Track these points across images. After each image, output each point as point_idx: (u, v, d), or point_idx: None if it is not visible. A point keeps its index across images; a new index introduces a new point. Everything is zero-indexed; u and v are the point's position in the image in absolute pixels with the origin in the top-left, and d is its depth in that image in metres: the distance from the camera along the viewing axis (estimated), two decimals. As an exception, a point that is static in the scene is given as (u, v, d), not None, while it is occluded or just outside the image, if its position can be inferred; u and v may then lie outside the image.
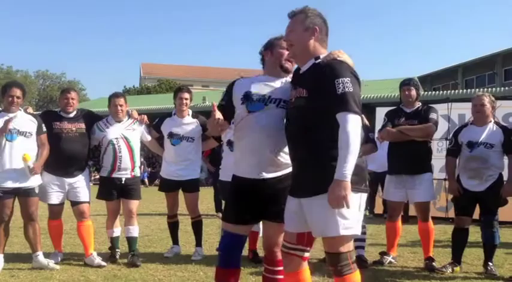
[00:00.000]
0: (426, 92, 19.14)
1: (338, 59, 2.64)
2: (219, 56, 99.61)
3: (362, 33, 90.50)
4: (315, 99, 2.59)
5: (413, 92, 5.06)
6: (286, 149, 2.95)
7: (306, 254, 2.83)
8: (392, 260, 5.18)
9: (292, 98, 2.78)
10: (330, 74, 2.55)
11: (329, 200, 2.44)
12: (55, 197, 5.05)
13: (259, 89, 3.07)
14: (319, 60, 2.69)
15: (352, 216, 2.54)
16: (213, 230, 7.29)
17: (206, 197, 9.24)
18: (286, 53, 3.05)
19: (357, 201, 2.56)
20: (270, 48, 3.16)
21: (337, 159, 2.46)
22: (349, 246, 2.61)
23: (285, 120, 2.98)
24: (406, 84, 5.13)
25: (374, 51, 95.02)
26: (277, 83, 3.09)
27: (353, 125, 2.46)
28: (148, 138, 5.48)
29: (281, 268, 3.03)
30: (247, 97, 3.06)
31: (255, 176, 3.04)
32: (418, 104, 5.09)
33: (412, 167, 4.89)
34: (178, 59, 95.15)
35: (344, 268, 2.58)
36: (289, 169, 2.99)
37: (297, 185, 2.74)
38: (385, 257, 5.18)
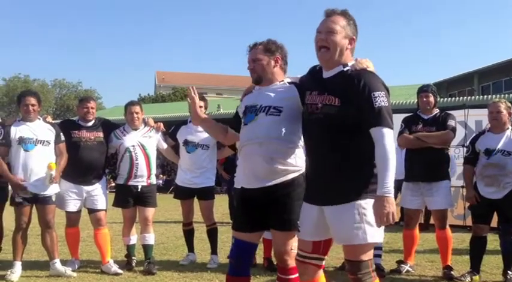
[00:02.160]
0: (442, 99, 18.92)
1: (368, 69, 2.62)
2: (233, 64, 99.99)
3: (377, 38, 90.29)
4: (347, 109, 2.55)
5: (431, 99, 5.01)
6: (283, 155, 2.98)
7: (323, 263, 2.81)
8: (410, 269, 5.12)
9: (317, 104, 2.67)
10: (365, 86, 2.52)
11: (376, 217, 2.45)
12: (73, 205, 5.10)
13: (253, 100, 3.15)
14: (348, 68, 2.65)
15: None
16: (228, 237, 7.23)
17: (221, 205, 9.23)
18: (248, 67, 3.16)
19: None
20: None
21: (365, 169, 2.48)
22: (370, 254, 2.60)
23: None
24: (424, 90, 5.08)
25: (389, 57, 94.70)
26: (269, 91, 3.11)
27: (389, 139, 2.48)
28: (165, 146, 5.51)
29: (293, 276, 3.01)
30: (245, 111, 3.15)
31: (252, 186, 3.07)
32: (436, 111, 5.04)
33: (430, 174, 4.84)
34: (193, 67, 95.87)
35: (365, 276, 2.56)
36: (290, 175, 3.01)
37: (318, 193, 2.69)
38: (402, 265, 5.12)
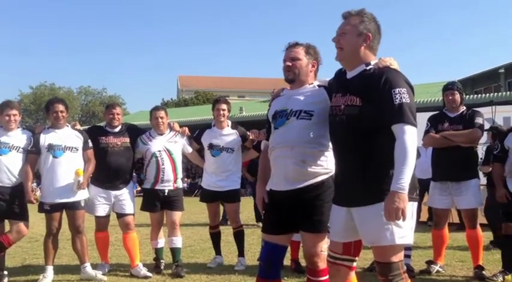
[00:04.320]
0: (468, 96, 18.62)
1: (391, 67, 2.61)
2: (255, 66, 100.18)
3: (401, 36, 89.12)
4: (369, 108, 2.54)
5: (457, 97, 4.93)
6: (314, 158, 3.00)
7: (354, 264, 2.80)
8: (440, 269, 5.05)
9: (340, 105, 2.68)
10: (386, 83, 2.51)
11: (385, 212, 2.41)
12: (102, 209, 5.18)
13: (282, 104, 3.16)
14: (370, 66, 2.65)
15: (405, 225, 2.50)
16: (254, 239, 7.29)
17: (246, 207, 9.27)
18: (285, 64, 3.15)
19: (410, 209, 2.50)
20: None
21: (391, 169, 2.45)
22: (401, 255, 2.57)
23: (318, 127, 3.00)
24: (449, 88, 5.00)
25: (412, 55, 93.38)
26: (299, 94, 3.13)
27: (410, 136, 2.44)
28: (190, 150, 5.56)
29: (323, 278, 3.02)
30: (275, 116, 3.17)
31: (283, 188, 3.08)
32: (463, 108, 4.96)
33: (458, 173, 4.76)
34: (214, 71, 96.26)
35: (396, 278, 2.53)
36: (320, 178, 3.03)
37: (345, 194, 2.69)
38: (432, 266, 5.05)
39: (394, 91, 2.48)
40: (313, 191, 3.03)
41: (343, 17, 2.72)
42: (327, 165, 3.05)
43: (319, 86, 3.15)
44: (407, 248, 4.94)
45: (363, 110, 2.57)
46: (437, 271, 5.02)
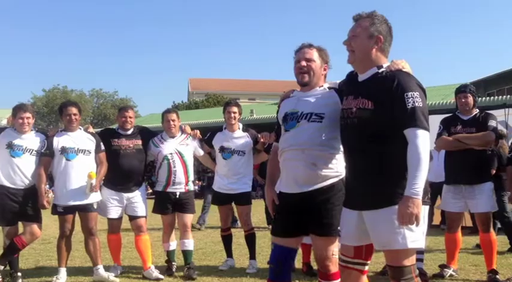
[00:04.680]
0: (480, 98, 18.46)
1: (404, 70, 2.59)
2: (265, 69, 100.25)
3: (412, 39, 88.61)
4: (381, 112, 2.53)
5: (470, 99, 4.88)
6: (325, 161, 2.99)
7: (365, 268, 2.78)
8: (453, 273, 5.00)
9: (352, 108, 2.67)
10: (398, 87, 2.49)
11: (399, 217, 2.40)
12: (114, 212, 5.21)
13: (293, 106, 3.15)
14: (382, 69, 2.63)
15: (417, 229, 2.48)
16: (266, 242, 7.27)
17: (257, 210, 9.25)
18: (299, 65, 3.11)
19: (421, 213, 2.48)
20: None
21: (403, 173, 2.43)
22: (413, 259, 2.55)
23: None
24: (462, 91, 4.95)
25: (424, 57, 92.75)
26: (309, 97, 3.12)
27: (422, 141, 2.43)
28: (201, 152, 5.58)
29: None
30: (285, 118, 3.15)
31: (293, 191, 3.07)
32: (476, 111, 4.91)
33: (471, 176, 4.71)
34: (224, 73, 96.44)
35: None
36: (330, 181, 3.02)
37: (356, 198, 2.68)
38: (445, 269, 5.00)
39: (406, 95, 2.47)
40: (323, 194, 3.02)
41: (354, 19, 2.71)
42: (337, 168, 3.04)
43: (329, 88, 3.14)
44: (420, 252, 4.89)
45: (375, 113, 2.55)
46: (451, 275, 4.97)
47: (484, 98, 19.38)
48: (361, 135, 2.62)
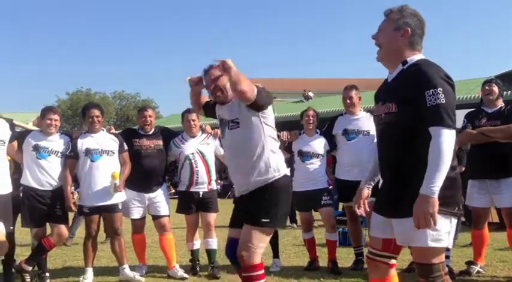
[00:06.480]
0: (506, 92, 18.05)
1: (428, 60, 2.49)
2: (285, 67, 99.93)
3: (436, 32, 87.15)
4: (404, 114, 2.44)
5: (495, 88, 4.80)
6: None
7: (393, 261, 2.73)
8: (481, 270, 4.91)
9: (381, 114, 2.60)
10: (418, 83, 2.39)
11: (414, 218, 2.31)
12: (136, 212, 5.27)
13: None
14: (407, 64, 2.54)
15: (442, 228, 2.40)
16: (289, 240, 7.27)
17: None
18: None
19: (448, 224, 2.43)
20: None
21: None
22: (442, 257, 2.48)
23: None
24: (488, 82, 4.91)
25: (447, 52, 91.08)
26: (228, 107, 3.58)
27: (445, 139, 2.31)
28: (222, 151, 5.57)
29: (254, 273, 3.23)
30: None
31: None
32: (501, 104, 4.82)
33: (497, 171, 4.62)
34: (243, 72, 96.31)
35: (436, 280, 2.45)
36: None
37: (384, 204, 2.61)
38: (472, 266, 4.92)
39: (427, 93, 2.35)
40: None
41: (385, 14, 2.64)
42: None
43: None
44: (447, 249, 4.82)
45: (398, 116, 2.48)
46: (478, 272, 4.89)
47: (508, 92, 18.97)
48: (389, 142, 2.57)
